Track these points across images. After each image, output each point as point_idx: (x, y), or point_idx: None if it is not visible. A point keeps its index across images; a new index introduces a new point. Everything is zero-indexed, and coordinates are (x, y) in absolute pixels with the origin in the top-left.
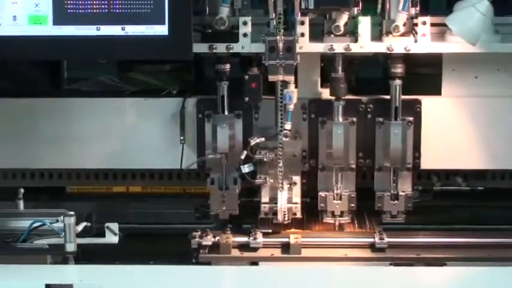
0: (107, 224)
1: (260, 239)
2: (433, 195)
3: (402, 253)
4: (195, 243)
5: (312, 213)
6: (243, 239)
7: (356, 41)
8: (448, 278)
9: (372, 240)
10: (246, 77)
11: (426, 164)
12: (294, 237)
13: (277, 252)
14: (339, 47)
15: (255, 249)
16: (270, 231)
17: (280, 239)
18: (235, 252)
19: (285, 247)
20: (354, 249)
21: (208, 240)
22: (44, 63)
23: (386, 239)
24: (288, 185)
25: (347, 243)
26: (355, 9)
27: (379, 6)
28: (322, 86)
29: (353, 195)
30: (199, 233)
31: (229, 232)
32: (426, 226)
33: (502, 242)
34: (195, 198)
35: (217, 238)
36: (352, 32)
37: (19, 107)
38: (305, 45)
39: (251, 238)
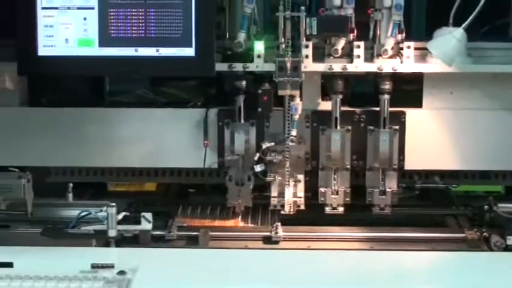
0: (142, 214)
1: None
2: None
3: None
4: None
5: (313, 206)
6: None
7: (351, 62)
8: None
9: (268, 234)
10: (259, 91)
11: (409, 165)
12: (203, 230)
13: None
14: (337, 67)
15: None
16: (185, 225)
17: (192, 233)
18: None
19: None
20: (254, 241)
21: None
22: (90, 79)
23: (281, 233)
24: (294, 182)
25: (247, 236)
26: (351, 35)
27: (371, 33)
28: (322, 100)
29: (348, 190)
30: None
31: None
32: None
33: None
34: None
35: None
36: (348, 55)
37: (70, 115)
38: (309, 65)
39: (166, 231)
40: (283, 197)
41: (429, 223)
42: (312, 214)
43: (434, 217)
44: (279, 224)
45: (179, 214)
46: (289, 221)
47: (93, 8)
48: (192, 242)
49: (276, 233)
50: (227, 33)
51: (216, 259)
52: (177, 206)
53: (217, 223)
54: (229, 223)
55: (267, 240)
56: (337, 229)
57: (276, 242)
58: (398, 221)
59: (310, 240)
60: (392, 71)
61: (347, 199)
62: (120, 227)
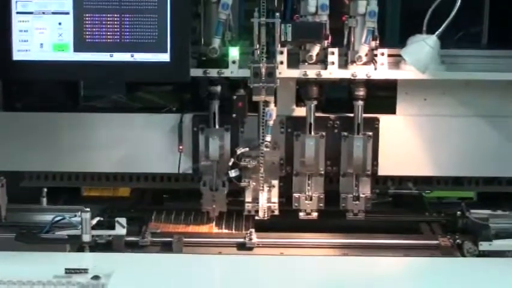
0: (116, 219)
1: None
2: (389, 197)
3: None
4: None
5: (287, 211)
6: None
7: (326, 68)
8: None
9: (242, 240)
10: (234, 97)
11: (383, 171)
12: (177, 237)
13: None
14: (311, 73)
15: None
16: (159, 231)
17: (165, 239)
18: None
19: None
20: (228, 247)
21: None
22: (64, 83)
23: (255, 239)
24: (268, 188)
25: (221, 242)
26: (326, 42)
27: (345, 39)
28: (296, 105)
29: (322, 196)
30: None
31: None
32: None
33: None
34: None
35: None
36: (322, 61)
37: (44, 120)
38: (283, 71)
39: (140, 237)
40: (258, 203)
41: (403, 229)
42: (286, 219)
43: (408, 223)
44: (253, 230)
45: (153, 220)
46: (263, 226)
47: (68, 13)
48: (166, 248)
49: (250, 239)
50: (202, 39)
51: (190, 265)
52: (151, 211)
53: (191, 229)
54: (204, 229)
55: (241, 246)
56: (311, 235)
57: (250, 249)
58: (372, 227)
59: (284, 247)
60: (366, 78)
61: (321, 205)
62: (94, 232)
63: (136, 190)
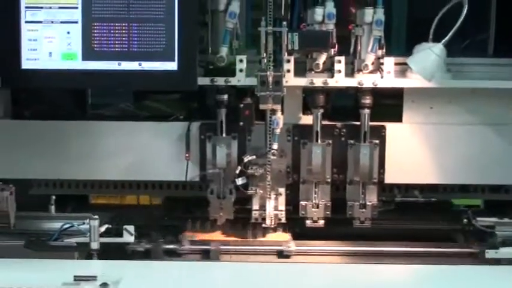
0: (124, 226)
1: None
2: (395, 205)
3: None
4: (129, 249)
5: (293, 219)
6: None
7: (332, 76)
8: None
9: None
10: (241, 105)
11: (389, 178)
12: (213, 245)
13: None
14: (318, 81)
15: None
16: (196, 239)
17: (202, 247)
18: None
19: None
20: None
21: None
22: (72, 91)
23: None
24: (275, 195)
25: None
26: (332, 50)
27: (352, 48)
28: (303, 114)
29: (328, 204)
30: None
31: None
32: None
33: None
34: None
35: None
36: (329, 69)
37: (52, 128)
38: (290, 79)
39: (178, 245)
40: (265, 210)
41: (435, 238)
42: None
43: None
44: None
45: (188, 228)
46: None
47: (76, 22)
48: (205, 256)
49: (288, 247)
50: (209, 48)
51: (196, 272)
52: (185, 219)
53: (227, 236)
54: (239, 236)
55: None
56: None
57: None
58: (401, 235)
59: (318, 255)
60: (372, 86)
61: (327, 212)
62: (103, 240)
63: (168, 199)
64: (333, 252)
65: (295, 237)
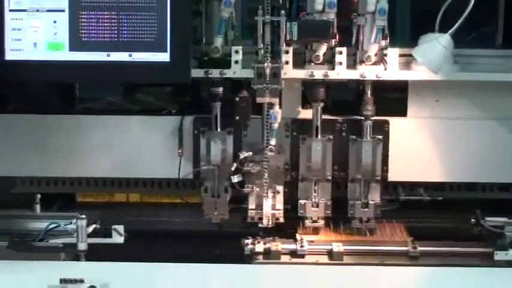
0: (114, 226)
1: (306, 246)
2: (399, 204)
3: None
4: (248, 250)
5: (292, 219)
6: (291, 246)
7: (333, 68)
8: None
9: (405, 248)
10: (237, 98)
11: (393, 176)
12: (337, 245)
13: (322, 259)
14: (318, 73)
15: (303, 256)
16: (314, 239)
17: (324, 247)
18: (285, 258)
19: (329, 254)
20: (389, 256)
21: (260, 247)
22: (59, 84)
23: (419, 248)
24: (272, 194)
25: (383, 251)
26: (333, 41)
27: (354, 38)
28: (302, 107)
29: (329, 203)
30: (250, 240)
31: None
32: None
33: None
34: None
35: (267, 245)
36: (330, 61)
37: (37, 122)
38: (289, 71)
39: (298, 245)
40: (262, 210)
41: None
42: None
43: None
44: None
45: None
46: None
47: (63, 11)
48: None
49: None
50: (203, 38)
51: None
52: None
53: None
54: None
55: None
56: None
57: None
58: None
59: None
60: (375, 78)
61: (327, 212)
62: (90, 240)
63: None
64: None
65: None
